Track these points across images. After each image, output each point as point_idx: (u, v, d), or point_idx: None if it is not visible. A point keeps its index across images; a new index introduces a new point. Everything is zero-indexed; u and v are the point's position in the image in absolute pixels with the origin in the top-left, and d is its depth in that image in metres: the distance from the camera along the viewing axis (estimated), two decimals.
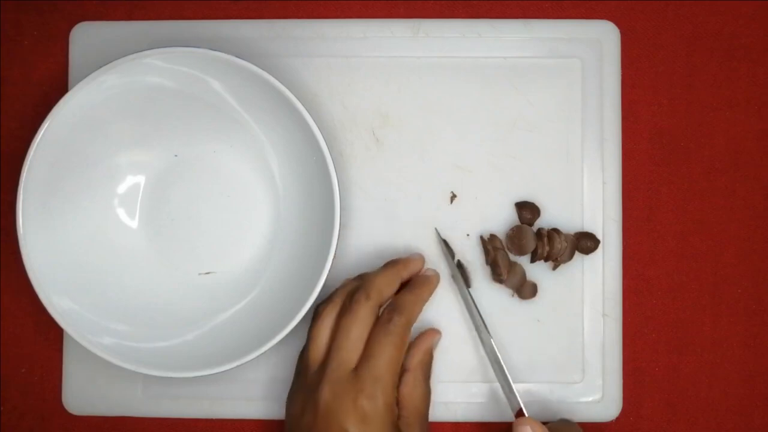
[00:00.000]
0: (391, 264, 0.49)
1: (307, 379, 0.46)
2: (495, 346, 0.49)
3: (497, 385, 0.51)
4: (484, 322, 0.50)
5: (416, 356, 0.48)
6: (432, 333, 0.49)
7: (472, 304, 0.50)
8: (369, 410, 0.43)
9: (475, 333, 0.51)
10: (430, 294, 0.49)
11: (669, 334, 0.52)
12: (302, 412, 0.45)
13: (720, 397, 0.52)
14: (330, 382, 0.44)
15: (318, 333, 0.46)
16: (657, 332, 0.52)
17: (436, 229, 0.51)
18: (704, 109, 0.53)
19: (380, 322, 0.46)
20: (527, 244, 0.50)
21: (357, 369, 0.44)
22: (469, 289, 0.51)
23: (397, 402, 0.46)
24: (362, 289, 0.46)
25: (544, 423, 0.47)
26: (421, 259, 0.50)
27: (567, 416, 0.50)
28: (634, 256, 0.52)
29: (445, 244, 0.51)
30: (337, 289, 0.48)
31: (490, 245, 0.51)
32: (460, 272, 0.51)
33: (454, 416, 0.51)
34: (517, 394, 0.47)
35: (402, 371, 0.47)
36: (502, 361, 0.48)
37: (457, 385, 0.51)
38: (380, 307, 0.47)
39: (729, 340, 0.52)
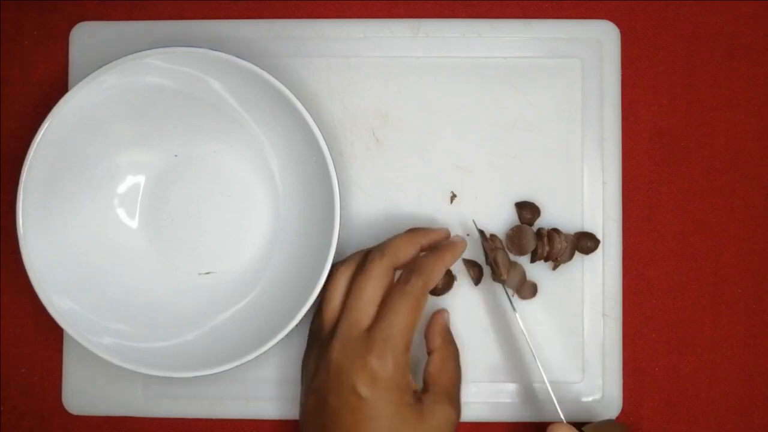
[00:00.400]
0: (412, 229, 0.48)
1: (320, 341, 0.46)
2: (524, 329, 0.48)
3: (498, 385, 0.51)
4: (513, 306, 0.49)
5: (436, 338, 0.47)
6: (440, 313, 0.48)
7: (507, 298, 0.49)
8: (378, 370, 0.42)
9: (480, 334, 0.51)
10: (454, 260, 0.47)
11: (669, 334, 0.52)
12: (315, 372, 0.45)
13: (720, 397, 0.52)
14: (341, 341, 0.43)
15: (332, 293, 0.46)
16: (657, 332, 0.52)
17: (473, 221, 0.51)
18: (704, 109, 0.53)
19: (397, 282, 0.45)
20: (527, 244, 0.50)
21: (369, 329, 0.44)
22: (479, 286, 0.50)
23: (425, 380, 0.46)
24: (377, 248, 0.46)
25: (584, 424, 0.46)
26: (446, 231, 0.48)
27: (567, 416, 0.50)
28: (634, 256, 0.52)
29: (483, 235, 0.50)
30: (353, 253, 0.48)
31: (490, 245, 0.51)
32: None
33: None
34: (552, 394, 0.47)
35: (428, 352, 0.47)
36: (534, 354, 0.47)
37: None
38: (396, 269, 0.46)
39: (729, 340, 0.52)
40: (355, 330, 0.44)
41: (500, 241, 0.51)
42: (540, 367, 0.48)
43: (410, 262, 0.46)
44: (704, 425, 0.52)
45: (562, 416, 0.46)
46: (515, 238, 0.51)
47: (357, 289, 0.45)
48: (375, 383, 0.42)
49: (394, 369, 0.43)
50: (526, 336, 0.48)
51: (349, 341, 0.43)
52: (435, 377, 0.45)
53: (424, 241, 0.47)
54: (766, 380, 0.52)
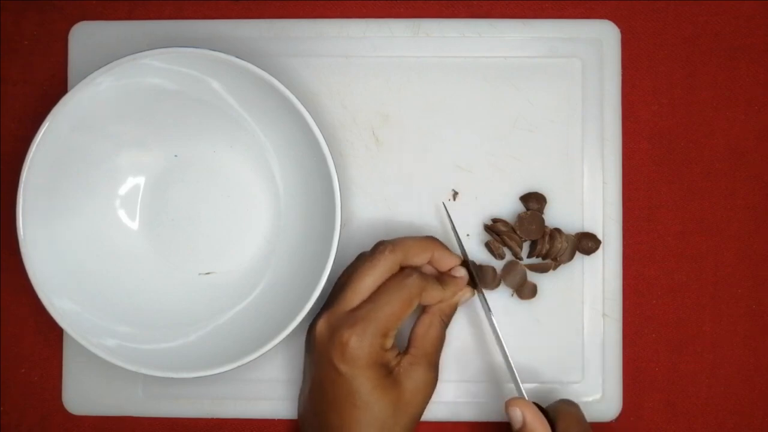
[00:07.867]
0: (429, 237, 0.48)
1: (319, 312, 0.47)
2: (496, 325, 0.48)
3: (497, 385, 0.51)
4: (486, 301, 0.49)
5: (439, 303, 0.47)
6: (465, 290, 0.48)
7: (475, 275, 0.49)
8: (354, 347, 0.43)
9: (478, 334, 0.51)
10: (452, 296, 0.48)
11: (669, 334, 0.52)
12: (308, 343, 0.47)
13: (720, 397, 0.52)
14: (328, 316, 0.45)
15: (347, 271, 0.48)
16: (657, 332, 0.52)
17: (444, 203, 0.51)
18: (704, 109, 0.53)
19: (399, 274, 0.46)
20: (537, 230, 0.50)
21: (355, 308, 0.45)
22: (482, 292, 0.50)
23: (410, 339, 0.47)
24: (390, 241, 0.47)
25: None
26: (459, 257, 0.49)
27: None
28: (634, 256, 0.52)
29: (450, 220, 0.50)
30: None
31: (499, 227, 0.50)
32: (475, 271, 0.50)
33: (454, 416, 0.51)
34: (516, 374, 0.47)
35: (421, 312, 0.47)
36: (503, 340, 0.48)
37: (457, 385, 0.51)
38: (402, 267, 0.46)
39: (729, 340, 0.52)
40: (342, 308, 0.45)
41: (508, 224, 0.51)
42: (504, 342, 0.48)
43: (417, 267, 0.47)
44: (704, 425, 0.52)
45: (524, 392, 0.46)
46: (526, 221, 0.50)
47: (359, 274, 0.46)
48: (352, 360, 0.44)
49: (370, 349, 0.44)
50: (493, 318, 0.48)
51: (335, 318, 0.45)
52: (419, 340, 0.46)
53: (437, 253, 0.47)
54: (766, 380, 0.52)
